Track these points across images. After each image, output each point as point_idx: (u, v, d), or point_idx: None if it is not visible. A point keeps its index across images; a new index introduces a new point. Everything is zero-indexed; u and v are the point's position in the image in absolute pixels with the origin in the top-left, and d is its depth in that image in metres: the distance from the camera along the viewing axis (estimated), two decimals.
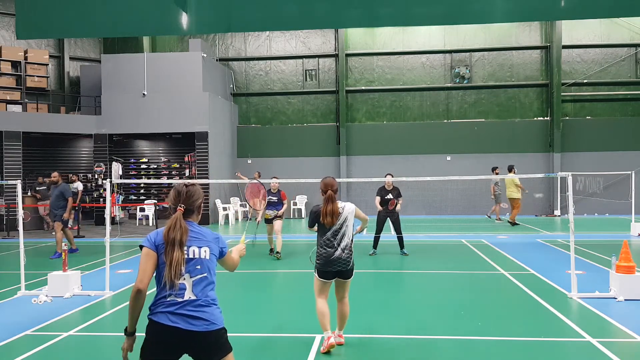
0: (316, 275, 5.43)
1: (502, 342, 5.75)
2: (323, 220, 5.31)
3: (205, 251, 3.16)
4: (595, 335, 5.77)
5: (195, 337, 3.01)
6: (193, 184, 3.35)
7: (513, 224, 17.35)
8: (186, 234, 3.13)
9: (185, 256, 3.10)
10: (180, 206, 3.22)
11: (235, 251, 3.65)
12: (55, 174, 12.21)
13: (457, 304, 7.35)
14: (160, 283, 3.10)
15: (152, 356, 3.04)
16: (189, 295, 3.05)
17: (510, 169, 17.77)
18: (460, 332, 6.05)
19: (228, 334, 3.20)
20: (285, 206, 11.34)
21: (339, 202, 5.40)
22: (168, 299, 3.05)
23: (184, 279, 3.08)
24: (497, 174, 17.95)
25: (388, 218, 11.33)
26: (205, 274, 3.13)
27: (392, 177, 11.32)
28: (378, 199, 11.38)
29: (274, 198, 11.15)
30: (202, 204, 3.39)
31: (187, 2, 3.84)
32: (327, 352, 5.30)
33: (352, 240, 5.39)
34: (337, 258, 5.28)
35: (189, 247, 3.13)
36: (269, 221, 11.29)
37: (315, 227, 5.50)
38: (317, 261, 5.40)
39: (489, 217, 19.24)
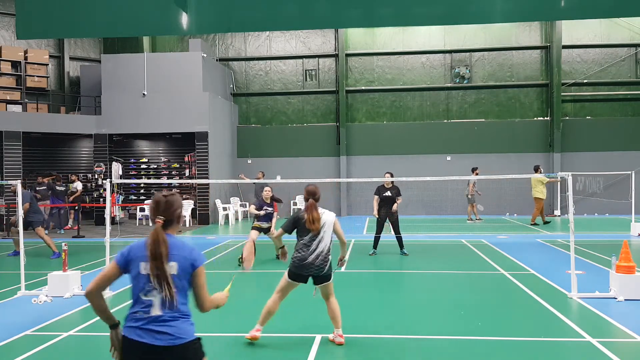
0: (286, 274, 5.58)
1: (502, 342, 5.75)
2: (309, 226, 5.43)
3: (172, 267, 3.09)
4: (595, 335, 5.77)
5: (161, 351, 3.01)
6: (172, 194, 3.29)
7: (545, 222, 17.44)
8: (167, 247, 3.07)
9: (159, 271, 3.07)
10: (159, 218, 3.15)
11: (215, 298, 3.47)
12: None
13: (457, 304, 7.34)
14: (133, 298, 3.11)
15: None
16: (155, 311, 3.04)
17: (537, 169, 17.82)
18: (460, 332, 6.04)
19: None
20: (275, 219, 10.72)
21: (319, 209, 5.55)
22: (137, 315, 3.06)
23: (153, 295, 3.06)
24: (476, 174, 17.94)
25: (387, 218, 11.29)
26: (181, 295, 3.12)
27: (392, 176, 11.28)
28: (376, 198, 11.33)
29: (270, 209, 10.63)
30: (182, 214, 3.32)
31: (187, 2, 3.84)
32: (251, 342, 5.56)
33: (329, 248, 5.49)
34: (310, 263, 5.41)
35: (168, 261, 3.09)
36: (259, 229, 10.57)
37: (292, 232, 5.66)
38: (292, 263, 5.55)
39: (475, 219, 19.05)
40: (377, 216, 11.32)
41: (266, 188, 10.92)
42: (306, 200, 5.60)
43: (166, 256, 3.05)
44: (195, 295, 3.24)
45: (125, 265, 3.15)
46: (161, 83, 19.52)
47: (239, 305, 7.48)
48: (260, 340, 5.81)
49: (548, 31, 21.94)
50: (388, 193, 11.21)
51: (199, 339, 3.17)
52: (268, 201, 10.71)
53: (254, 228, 10.50)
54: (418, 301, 7.70)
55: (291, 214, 21.99)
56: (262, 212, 10.60)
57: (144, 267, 3.08)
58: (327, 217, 5.53)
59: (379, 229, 11.43)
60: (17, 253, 11.80)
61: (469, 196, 18.79)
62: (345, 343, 5.60)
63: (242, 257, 10.24)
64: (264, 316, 5.59)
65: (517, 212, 21.32)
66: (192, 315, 3.21)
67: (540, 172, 17.62)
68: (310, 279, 5.56)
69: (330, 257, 5.51)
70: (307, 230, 5.46)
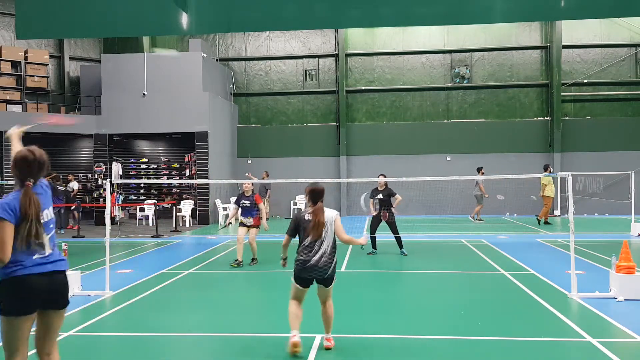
0: (292, 280, 5.32)
1: (502, 342, 5.75)
2: (312, 232, 5.17)
3: (50, 211, 3.69)
4: (595, 335, 5.77)
5: (61, 277, 3.67)
6: (42, 153, 3.66)
7: (546, 222, 17.42)
8: (39, 207, 3.54)
9: (42, 220, 3.58)
10: (30, 180, 3.54)
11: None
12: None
13: (457, 304, 7.35)
14: (17, 248, 3.48)
15: (22, 309, 3.48)
16: (48, 250, 3.61)
17: (546, 168, 17.88)
18: (460, 332, 6.04)
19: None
20: (262, 211, 10.35)
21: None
22: (34, 258, 3.53)
23: (43, 237, 3.58)
24: (482, 174, 17.90)
25: (383, 220, 11.26)
26: (54, 230, 3.74)
27: (385, 177, 11.33)
28: (372, 201, 11.41)
29: (247, 202, 10.22)
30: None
31: (187, 2, 3.84)
32: (295, 355, 5.20)
33: (332, 246, 5.23)
34: (314, 265, 5.14)
35: (43, 211, 3.59)
36: (244, 225, 10.36)
37: (296, 235, 5.36)
38: (295, 266, 5.28)
39: (476, 218, 19.00)
40: (374, 213, 11.34)
41: (247, 182, 10.52)
42: (314, 202, 5.23)
43: (40, 216, 3.54)
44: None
45: (15, 221, 3.47)
46: (161, 83, 19.52)
47: (239, 305, 7.48)
48: (260, 340, 5.81)
49: (548, 31, 21.93)
50: (380, 196, 11.25)
51: None
52: (248, 194, 10.30)
53: (240, 225, 10.43)
54: (418, 301, 7.70)
55: (291, 214, 22.01)
56: (232, 211, 10.57)
57: None
58: (328, 215, 5.23)
59: (373, 229, 11.45)
60: None
61: (485, 196, 18.70)
62: (343, 343, 5.59)
63: (237, 260, 10.34)
64: (291, 321, 5.31)
65: (517, 212, 21.32)
66: None
67: (550, 172, 17.63)
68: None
69: (335, 258, 5.23)
70: (309, 233, 5.21)
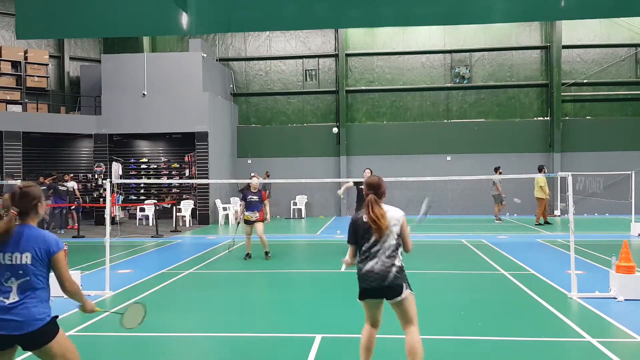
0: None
1: (502, 342, 5.75)
2: (375, 230, 4.20)
3: (26, 257, 3.34)
4: (595, 335, 5.77)
5: (18, 338, 3.30)
6: (29, 185, 3.48)
7: (545, 222, 17.39)
8: (9, 237, 3.30)
9: (9, 262, 3.31)
10: (14, 209, 3.37)
11: (80, 292, 3.76)
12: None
13: (457, 304, 7.35)
14: None
15: None
16: (14, 297, 3.30)
17: (541, 169, 17.86)
18: (460, 332, 6.04)
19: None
20: (266, 207, 11.02)
21: (384, 205, 4.31)
22: None
23: (11, 282, 3.31)
24: (499, 173, 17.88)
25: None
26: (28, 278, 3.33)
27: (370, 172, 11.44)
28: (344, 185, 11.74)
29: (255, 197, 10.80)
30: (39, 205, 3.48)
31: (187, 2, 3.84)
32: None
33: (393, 251, 4.23)
34: (369, 271, 4.20)
35: (12, 253, 3.31)
36: (248, 222, 10.89)
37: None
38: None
39: (497, 219, 18.85)
40: (340, 195, 11.88)
41: (254, 180, 11.09)
42: (365, 195, 4.31)
43: (4, 245, 3.28)
44: (57, 278, 3.48)
45: None
46: (161, 83, 19.52)
47: (239, 305, 7.48)
48: (260, 340, 5.81)
49: (548, 31, 21.94)
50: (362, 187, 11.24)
51: (50, 320, 3.43)
52: (255, 190, 10.86)
53: (245, 222, 10.95)
54: (418, 301, 7.66)
55: (291, 214, 22.03)
56: (241, 208, 11.00)
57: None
58: (393, 213, 4.26)
59: None
60: None
61: (495, 196, 18.57)
62: (343, 343, 5.59)
63: (248, 254, 11.03)
64: (360, 353, 4.46)
65: (517, 212, 21.32)
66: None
67: (545, 172, 17.60)
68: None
69: (397, 262, 4.22)
70: (369, 234, 4.23)
